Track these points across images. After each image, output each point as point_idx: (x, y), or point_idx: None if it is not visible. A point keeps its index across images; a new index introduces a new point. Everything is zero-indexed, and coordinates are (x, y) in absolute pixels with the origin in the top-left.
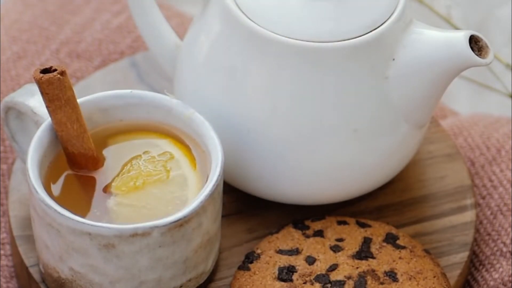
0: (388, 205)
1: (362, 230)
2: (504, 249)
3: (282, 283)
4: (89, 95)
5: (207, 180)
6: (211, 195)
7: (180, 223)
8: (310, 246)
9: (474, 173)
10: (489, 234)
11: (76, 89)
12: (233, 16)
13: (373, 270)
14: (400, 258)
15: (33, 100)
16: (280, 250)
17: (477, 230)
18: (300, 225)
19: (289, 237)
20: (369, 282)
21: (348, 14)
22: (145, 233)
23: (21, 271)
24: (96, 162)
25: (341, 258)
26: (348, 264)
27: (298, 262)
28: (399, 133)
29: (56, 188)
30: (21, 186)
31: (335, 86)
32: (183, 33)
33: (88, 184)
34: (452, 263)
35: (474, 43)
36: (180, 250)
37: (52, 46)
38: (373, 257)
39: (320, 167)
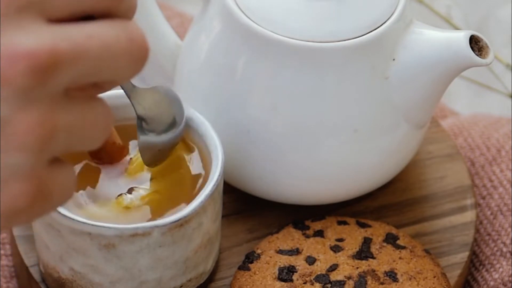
0: (388, 205)
1: (362, 230)
2: (504, 249)
3: (282, 283)
4: None
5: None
6: (211, 195)
7: (180, 223)
8: (310, 246)
9: (474, 173)
10: (489, 234)
11: None
12: (233, 16)
13: (373, 270)
14: (400, 258)
15: None
16: (280, 250)
17: (477, 230)
18: (300, 225)
19: (289, 237)
20: (369, 282)
21: (348, 14)
22: (145, 233)
23: (21, 271)
24: (122, 152)
25: (341, 258)
26: (348, 264)
27: (298, 262)
28: (399, 133)
29: None
30: None
31: (335, 86)
32: (183, 33)
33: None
34: (452, 263)
35: (474, 43)
36: (180, 250)
37: None
38: (373, 257)
39: (320, 167)
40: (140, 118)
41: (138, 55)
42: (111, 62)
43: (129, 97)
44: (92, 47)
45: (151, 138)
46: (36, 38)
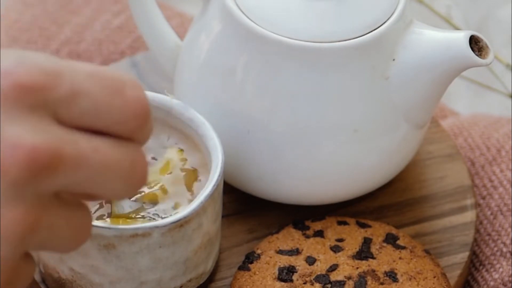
0: (388, 205)
1: (362, 230)
2: (504, 249)
3: (282, 283)
4: None
5: (207, 181)
6: (211, 196)
7: (180, 224)
8: (310, 246)
9: (474, 173)
10: (489, 235)
11: None
12: (233, 16)
13: (373, 270)
14: (400, 258)
15: None
16: (280, 250)
17: (477, 231)
18: (300, 225)
19: (289, 237)
20: (369, 282)
21: (348, 14)
22: (145, 234)
23: None
24: None
25: (341, 258)
26: (348, 264)
27: (298, 262)
28: (399, 133)
29: None
30: None
31: (335, 86)
32: (183, 33)
33: None
34: (452, 264)
35: (474, 43)
36: (180, 250)
37: (52, 46)
38: (373, 257)
39: (320, 167)
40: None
41: (134, 182)
42: (108, 180)
43: (111, 203)
44: (94, 160)
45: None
46: (42, 135)
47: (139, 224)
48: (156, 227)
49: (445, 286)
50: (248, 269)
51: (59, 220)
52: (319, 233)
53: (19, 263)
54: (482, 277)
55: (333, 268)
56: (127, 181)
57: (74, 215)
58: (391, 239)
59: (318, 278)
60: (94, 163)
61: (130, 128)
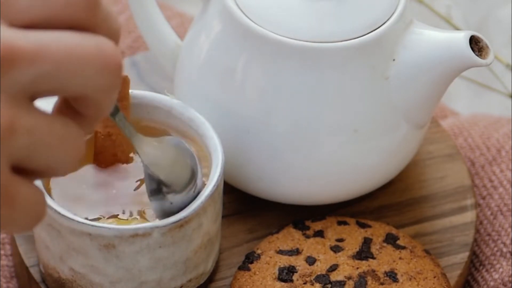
0: (388, 205)
1: (362, 230)
2: (504, 249)
3: (282, 283)
4: None
5: (207, 181)
6: (211, 196)
7: (180, 224)
8: (311, 246)
9: (474, 173)
10: (489, 235)
11: None
12: (233, 16)
13: (373, 271)
14: (400, 258)
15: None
16: (280, 250)
17: (477, 231)
18: (300, 225)
19: (289, 237)
20: (369, 282)
21: (349, 15)
22: (145, 234)
23: (21, 271)
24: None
25: (341, 258)
26: (348, 265)
27: (299, 262)
28: (399, 133)
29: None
30: None
31: (335, 86)
32: (183, 33)
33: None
34: (452, 264)
35: (475, 43)
36: (180, 250)
37: None
38: (373, 258)
39: (320, 167)
40: (157, 181)
41: (107, 65)
42: (77, 67)
43: (133, 144)
44: (55, 48)
45: (167, 203)
46: None
47: (139, 224)
48: (156, 227)
49: (445, 286)
50: (248, 269)
51: (40, 124)
52: (319, 233)
53: (11, 180)
54: (482, 277)
55: (333, 268)
56: (98, 64)
57: (59, 123)
58: (391, 239)
59: (318, 278)
60: (55, 50)
61: (80, 9)
